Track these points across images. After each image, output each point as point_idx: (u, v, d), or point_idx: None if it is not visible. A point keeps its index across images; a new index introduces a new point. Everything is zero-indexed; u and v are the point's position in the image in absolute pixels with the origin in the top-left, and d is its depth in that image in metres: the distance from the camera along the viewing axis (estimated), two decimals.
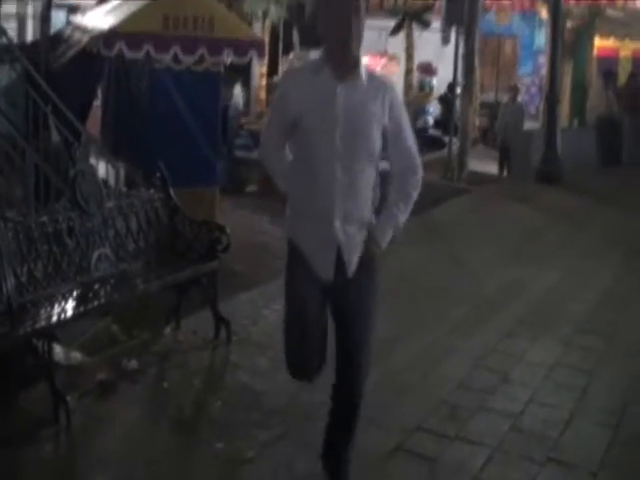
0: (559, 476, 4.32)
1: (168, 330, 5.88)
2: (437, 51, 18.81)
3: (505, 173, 15.07)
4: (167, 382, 5.14)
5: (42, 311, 4.66)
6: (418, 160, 3.69)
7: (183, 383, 5.11)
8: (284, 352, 3.81)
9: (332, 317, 3.72)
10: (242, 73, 18.26)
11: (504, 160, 15.30)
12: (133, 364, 5.24)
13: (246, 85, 20.52)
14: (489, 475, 4.24)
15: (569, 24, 19.01)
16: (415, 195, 3.69)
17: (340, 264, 3.58)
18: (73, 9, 16.21)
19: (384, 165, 3.69)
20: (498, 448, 4.50)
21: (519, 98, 16.62)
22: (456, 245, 9.06)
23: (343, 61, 3.48)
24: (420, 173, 3.69)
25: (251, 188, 15.04)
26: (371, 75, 3.58)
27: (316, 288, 3.61)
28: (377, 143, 3.56)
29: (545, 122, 13.59)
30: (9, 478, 4.07)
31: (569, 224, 10.34)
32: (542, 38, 19.77)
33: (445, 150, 14.46)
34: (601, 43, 19.71)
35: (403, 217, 3.67)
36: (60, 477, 4.13)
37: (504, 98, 17.16)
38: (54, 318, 4.62)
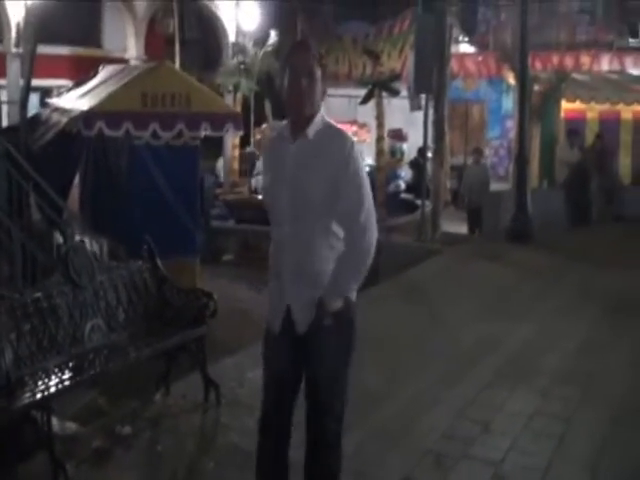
0: None
1: (158, 396, 6.05)
2: (407, 117, 19.31)
3: (477, 233, 15.46)
4: (160, 446, 5.29)
5: (40, 383, 4.84)
6: (366, 226, 3.63)
7: (176, 446, 5.27)
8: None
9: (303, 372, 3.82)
10: (215, 144, 18.67)
11: (473, 222, 15.71)
12: (127, 430, 5.41)
13: (219, 154, 20.97)
14: None
15: (536, 88, 19.63)
16: (364, 259, 3.64)
17: (291, 321, 3.70)
18: (46, 92, 16.60)
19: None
20: None
21: (483, 160, 17.16)
22: (433, 303, 9.31)
23: (297, 121, 3.66)
24: (369, 237, 3.63)
25: (228, 257, 15.34)
26: (328, 132, 3.66)
27: (286, 345, 3.74)
28: (316, 200, 3.59)
29: (515, 183, 13.93)
30: None
31: (540, 281, 10.59)
32: (509, 102, 20.34)
33: (418, 213, 14.79)
34: (568, 106, 20.31)
35: (353, 283, 3.68)
36: None
37: (470, 160, 17.72)
38: (52, 389, 4.81)
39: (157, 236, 6.64)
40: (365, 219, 3.62)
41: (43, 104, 13.68)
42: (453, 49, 20.89)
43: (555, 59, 19.70)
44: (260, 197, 14.80)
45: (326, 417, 3.76)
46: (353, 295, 3.75)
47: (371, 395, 6.05)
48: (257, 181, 18.44)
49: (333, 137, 3.66)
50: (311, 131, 3.64)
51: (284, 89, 3.66)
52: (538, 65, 19.32)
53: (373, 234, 3.65)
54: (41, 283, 5.48)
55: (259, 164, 19.54)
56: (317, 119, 3.66)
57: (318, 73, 3.64)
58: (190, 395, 6.05)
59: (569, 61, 19.74)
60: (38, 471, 4.76)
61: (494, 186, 17.36)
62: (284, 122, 3.81)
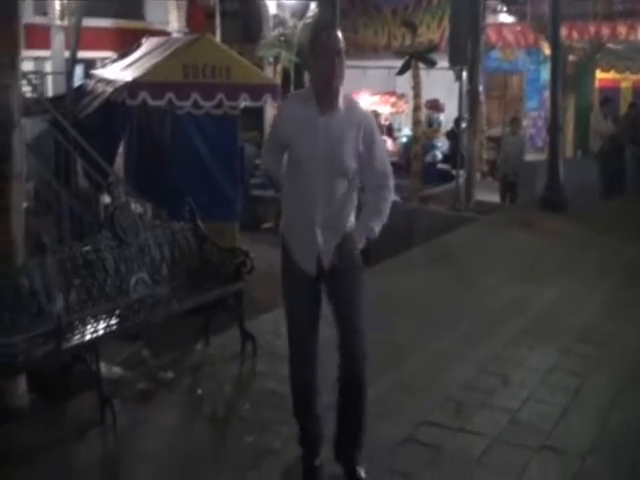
0: (551, 460, 4.83)
1: (199, 347, 6.50)
2: (447, 88, 19.51)
3: (508, 202, 15.68)
4: (201, 389, 5.73)
5: (89, 327, 5.30)
6: (389, 178, 4.24)
7: (215, 390, 5.71)
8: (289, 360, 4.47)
9: (330, 306, 4.30)
10: (255, 116, 19.04)
11: (507, 191, 15.94)
12: (169, 375, 5.85)
13: (259, 126, 21.33)
14: (489, 460, 4.79)
15: (571, 58, 19.70)
16: (386, 207, 4.22)
17: (319, 261, 4.20)
18: (90, 63, 17.09)
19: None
20: (497, 438, 5.05)
21: (520, 131, 17.26)
22: (464, 267, 9.62)
23: (326, 95, 4.09)
24: (391, 189, 4.24)
25: (267, 225, 15.74)
26: (349, 106, 4.17)
27: (306, 280, 4.23)
28: (351, 165, 4.14)
29: (548, 152, 14.12)
30: (64, 470, 4.67)
31: (568, 249, 10.81)
32: (547, 73, 20.40)
33: (453, 182, 15.05)
34: (602, 76, 20.34)
35: (377, 226, 4.18)
36: (109, 468, 4.77)
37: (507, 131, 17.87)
38: (100, 332, 5.27)
39: (198, 201, 7.04)
40: (389, 174, 4.26)
41: (87, 75, 14.09)
42: (492, 19, 21.03)
43: (592, 29, 19.73)
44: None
45: (355, 335, 4.24)
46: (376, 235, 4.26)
47: (397, 350, 6.41)
48: None
49: (357, 110, 4.22)
50: (341, 106, 4.11)
51: (312, 62, 4.09)
52: (575, 35, 19.40)
53: (393, 194, 4.29)
54: (90, 238, 5.90)
55: None
56: (341, 95, 4.12)
57: (344, 53, 4.08)
58: (228, 346, 6.47)
59: (605, 31, 19.76)
60: (87, 406, 5.22)
61: (532, 157, 17.53)
62: (302, 92, 4.31)
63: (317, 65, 4.08)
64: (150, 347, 6.79)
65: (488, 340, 6.93)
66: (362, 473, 4.35)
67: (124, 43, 17.17)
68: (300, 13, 21.83)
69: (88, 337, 5.19)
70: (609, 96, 17.56)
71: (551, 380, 6.10)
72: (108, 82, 10.57)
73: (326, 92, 4.10)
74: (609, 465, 4.82)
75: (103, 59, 16.79)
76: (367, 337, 4.29)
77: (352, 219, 4.26)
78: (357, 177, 4.23)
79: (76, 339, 5.15)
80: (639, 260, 10.18)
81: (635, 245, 10.92)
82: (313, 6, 21.70)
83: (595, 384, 6.06)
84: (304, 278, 4.25)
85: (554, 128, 13.83)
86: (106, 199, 9.17)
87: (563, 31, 17.07)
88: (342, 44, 4.08)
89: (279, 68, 21.50)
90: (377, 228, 4.20)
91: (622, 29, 19.79)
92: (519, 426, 5.25)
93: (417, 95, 18.35)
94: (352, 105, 4.22)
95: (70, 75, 11.25)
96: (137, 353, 6.67)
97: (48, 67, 20.16)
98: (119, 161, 11.05)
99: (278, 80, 18.64)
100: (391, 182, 4.26)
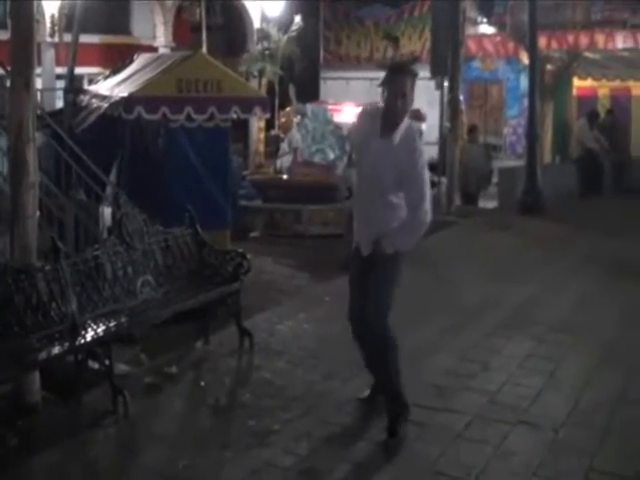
0: (527, 433, 5.33)
1: (199, 344, 6.97)
2: (428, 98, 19.99)
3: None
4: (203, 381, 6.22)
5: (101, 325, 5.75)
6: (424, 201, 4.95)
7: (217, 381, 6.18)
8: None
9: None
10: (241, 128, 19.50)
11: (468, 203, 15.82)
12: (173, 369, 6.33)
13: (245, 139, 21.81)
14: (469, 434, 5.30)
15: (549, 67, 20.28)
16: (420, 227, 5.02)
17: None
18: (77, 79, 17.43)
19: None
20: (477, 415, 5.56)
21: (480, 139, 17.13)
22: (444, 267, 10.12)
23: (388, 122, 4.95)
24: (427, 210, 4.96)
25: (254, 234, 16.20)
26: (405, 134, 4.96)
27: (359, 258, 5.26)
28: (389, 184, 4.96)
29: (526, 158, 14.66)
30: (81, 454, 5.10)
31: (546, 248, 11.34)
32: (527, 82, 20.94)
33: (435, 189, 15.52)
34: (580, 84, 20.91)
35: (403, 242, 5.06)
36: (122, 451, 5.19)
37: (492, 140, 18.18)
38: (112, 329, 5.72)
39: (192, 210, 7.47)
40: (427, 204, 4.98)
41: (67, 90, 14.14)
42: (472, 30, 21.59)
43: (571, 38, 20.29)
44: (285, 177, 15.91)
45: (371, 304, 5.16)
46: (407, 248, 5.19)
47: None
48: (282, 162, 19.24)
49: (409, 140, 4.99)
50: (396, 137, 4.96)
51: (384, 98, 4.99)
52: (554, 44, 19.95)
53: (429, 214, 5.01)
54: (100, 244, 6.37)
55: (284, 145, 20.34)
56: (402, 125, 4.96)
57: (411, 91, 4.97)
58: (226, 343, 6.95)
59: (584, 40, 20.32)
60: (99, 399, 5.69)
61: (513, 163, 18.02)
62: (375, 109, 5.15)
63: (386, 98, 4.97)
64: (147, 352, 7.20)
65: (467, 332, 7.45)
66: (398, 428, 5.17)
67: (112, 58, 17.58)
68: (284, 27, 22.31)
69: (100, 334, 5.64)
70: (596, 111, 17.98)
71: (527, 365, 6.61)
72: (103, 97, 10.90)
73: (390, 121, 4.97)
74: (580, 436, 5.32)
75: (89, 75, 17.11)
76: (385, 304, 5.17)
77: (396, 223, 5.05)
78: (396, 193, 5.03)
79: (89, 336, 5.60)
80: (613, 256, 10.74)
81: (610, 242, 11.49)
82: (297, 19, 22.19)
83: (569, 368, 6.59)
84: (359, 256, 5.26)
85: (531, 135, 14.39)
86: (105, 209, 9.62)
87: (542, 41, 17.68)
88: (409, 84, 4.97)
89: (264, 81, 21.96)
90: (403, 244, 5.09)
91: (600, 38, 20.35)
92: (497, 405, 5.77)
93: None
94: (408, 134, 4.99)
95: (68, 90, 11.64)
96: (136, 356, 7.08)
97: (38, 83, 20.43)
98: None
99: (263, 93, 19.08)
100: (427, 204, 4.97)
